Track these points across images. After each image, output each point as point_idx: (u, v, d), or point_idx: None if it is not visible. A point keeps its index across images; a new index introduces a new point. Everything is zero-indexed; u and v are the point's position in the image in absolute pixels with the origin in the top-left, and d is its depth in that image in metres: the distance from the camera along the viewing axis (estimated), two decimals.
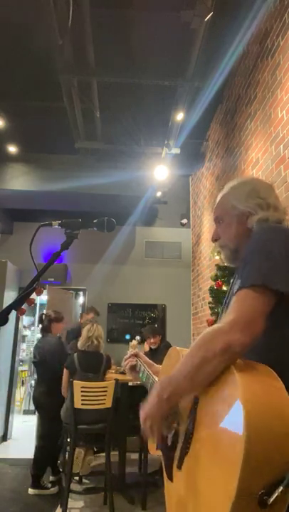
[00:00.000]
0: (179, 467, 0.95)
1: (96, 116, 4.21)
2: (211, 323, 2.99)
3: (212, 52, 3.53)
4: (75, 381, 2.88)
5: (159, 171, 4.82)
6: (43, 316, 3.74)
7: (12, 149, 5.03)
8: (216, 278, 2.68)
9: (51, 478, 3.50)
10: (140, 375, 1.52)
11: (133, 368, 1.58)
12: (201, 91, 3.80)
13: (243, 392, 0.76)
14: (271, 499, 0.68)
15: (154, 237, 6.51)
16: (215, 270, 2.53)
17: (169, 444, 1.03)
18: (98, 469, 3.53)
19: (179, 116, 4.13)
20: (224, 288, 2.46)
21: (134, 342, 1.81)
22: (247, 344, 0.84)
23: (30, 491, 3.35)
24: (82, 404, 2.85)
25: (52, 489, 3.36)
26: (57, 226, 1.19)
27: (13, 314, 1.08)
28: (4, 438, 5.39)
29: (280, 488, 0.69)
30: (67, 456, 3.27)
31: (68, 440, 3.05)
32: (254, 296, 0.88)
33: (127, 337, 5.94)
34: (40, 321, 3.83)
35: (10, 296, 5.61)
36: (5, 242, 6.68)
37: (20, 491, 3.42)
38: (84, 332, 3.28)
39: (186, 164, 5.49)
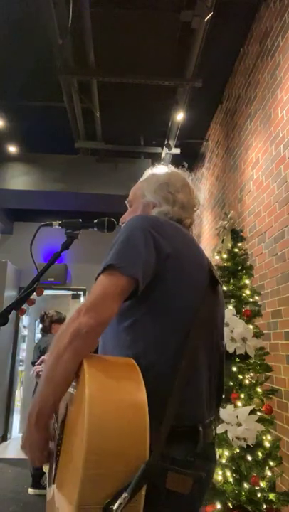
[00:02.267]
0: (53, 481, 0.88)
1: (96, 116, 4.21)
2: None
3: (212, 52, 3.52)
4: None
5: None
6: (44, 316, 3.74)
7: (12, 149, 5.03)
8: None
9: None
10: None
11: (38, 376, 1.55)
12: (201, 91, 3.80)
13: (89, 397, 0.71)
14: (115, 506, 0.66)
15: None
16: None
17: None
18: None
19: (179, 116, 4.13)
20: (224, 288, 2.46)
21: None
22: (93, 326, 0.81)
23: (30, 491, 3.35)
24: None
25: None
26: (57, 226, 1.19)
27: (13, 314, 1.08)
28: (4, 438, 5.39)
29: (124, 495, 0.67)
30: None
31: None
32: (106, 279, 0.88)
33: None
34: (41, 320, 3.83)
35: (10, 296, 5.61)
36: (5, 242, 6.68)
37: (20, 491, 3.42)
38: None
39: (186, 164, 5.49)
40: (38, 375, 1.56)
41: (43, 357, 1.63)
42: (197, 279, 0.98)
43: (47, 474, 1.00)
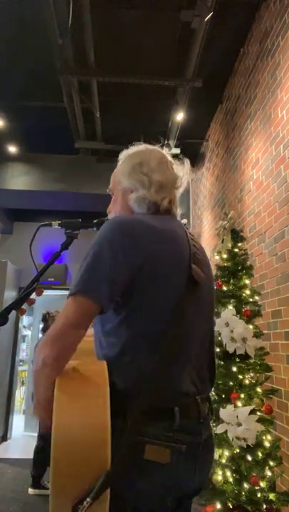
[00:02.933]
0: None
1: (96, 116, 4.21)
2: None
3: (212, 52, 3.52)
4: None
5: None
6: (47, 315, 3.75)
7: (12, 149, 5.03)
8: (215, 278, 2.68)
9: None
10: None
11: None
12: (201, 91, 3.80)
13: (57, 404, 0.81)
14: (79, 510, 0.76)
15: None
16: (215, 270, 2.53)
17: None
18: None
19: (179, 116, 4.13)
20: (224, 288, 2.46)
21: None
22: (56, 357, 0.88)
23: (30, 491, 3.35)
24: None
25: None
26: (57, 226, 1.19)
27: (13, 314, 1.08)
28: (4, 438, 5.39)
29: (87, 500, 0.76)
30: None
31: None
32: (70, 306, 0.91)
33: None
34: (44, 320, 3.84)
35: (10, 296, 5.61)
36: (5, 242, 6.68)
37: (20, 491, 3.42)
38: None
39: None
40: None
41: None
42: (174, 283, 0.98)
43: None
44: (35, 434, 3.89)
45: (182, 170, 1.16)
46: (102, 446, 0.78)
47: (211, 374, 1.10)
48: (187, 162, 1.18)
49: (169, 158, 1.16)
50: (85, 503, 0.76)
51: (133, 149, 1.18)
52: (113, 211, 1.17)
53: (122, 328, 0.96)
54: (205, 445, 1.00)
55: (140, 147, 1.18)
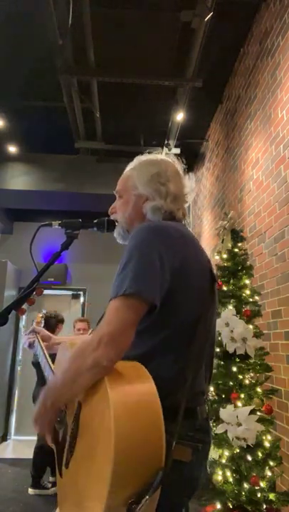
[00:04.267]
0: (66, 466, 1.00)
1: (96, 116, 4.21)
2: None
3: (212, 52, 3.52)
4: None
5: None
6: (50, 315, 3.75)
7: (12, 149, 5.03)
8: None
9: (51, 478, 3.50)
10: (37, 353, 1.56)
11: (31, 346, 1.62)
12: (201, 91, 3.80)
13: (114, 403, 0.79)
14: (138, 508, 0.74)
15: None
16: (215, 270, 2.53)
17: (60, 440, 1.08)
18: None
19: (179, 116, 4.13)
20: (224, 288, 2.46)
21: (38, 317, 1.75)
22: (114, 358, 0.87)
23: (30, 491, 3.35)
24: None
25: (52, 489, 3.36)
26: (57, 226, 1.19)
27: (13, 314, 1.08)
28: (4, 438, 5.39)
29: (146, 498, 0.75)
30: None
31: None
32: (125, 306, 0.89)
33: None
34: (44, 321, 3.84)
35: (10, 296, 5.61)
36: (5, 242, 6.67)
37: (20, 491, 3.42)
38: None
39: (186, 164, 5.49)
40: (30, 346, 1.57)
41: (33, 327, 1.62)
42: (201, 287, 1.03)
43: (55, 452, 1.10)
44: (30, 438, 3.89)
45: (190, 184, 1.20)
46: (158, 444, 0.78)
47: (210, 374, 1.13)
48: (192, 177, 1.21)
49: (181, 172, 1.20)
50: (143, 500, 0.75)
51: (148, 157, 1.21)
52: (121, 213, 1.18)
53: (154, 329, 0.96)
54: (209, 445, 1.05)
55: (155, 156, 1.21)
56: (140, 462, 0.77)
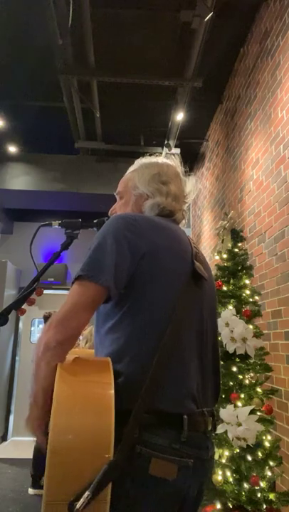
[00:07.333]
0: None
1: (96, 116, 4.21)
2: None
3: (212, 52, 3.52)
4: None
5: None
6: (49, 316, 3.76)
7: (12, 149, 5.03)
8: (215, 278, 2.68)
9: None
10: None
11: None
12: (201, 91, 3.80)
13: (56, 396, 0.77)
14: (78, 505, 0.70)
15: None
16: (215, 270, 2.53)
17: None
18: None
19: (179, 116, 4.13)
20: (224, 288, 2.46)
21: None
22: (61, 340, 0.86)
23: (30, 491, 3.35)
24: None
25: None
26: (57, 226, 1.20)
27: (13, 314, 1.08)
28: (4, 438, 5.39)
29: (87, 493, 0.70)
30: None
31: None
32: (76, 290, 0.90)
33: None
34: (46, 320, 3.85)
35: (10, 296, 5.61)
36: (5, 242, 6.67)
37: (20, 491, 3.42)
38: (87, 332, 3.28)
39: (186, 164, 5.49)
40: None
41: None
42: (177, 274, 1.00)
43: None
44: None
45: (190, 186, 1.21)
46: (105, 436, 0.73)
47: (215, 385, 1.05)
48: (193, 179, 1.23)
49: (182, 174, 1.21)
50: (84, 498, 0.70)
51: (149, 159, 1.22)
52: (119, 212, 1.18)
53: (125, 321, 0.94)
54: (210, 463, 0.96)
55: (156, 158, 1.23)
56: (79, 459, 0.72)
